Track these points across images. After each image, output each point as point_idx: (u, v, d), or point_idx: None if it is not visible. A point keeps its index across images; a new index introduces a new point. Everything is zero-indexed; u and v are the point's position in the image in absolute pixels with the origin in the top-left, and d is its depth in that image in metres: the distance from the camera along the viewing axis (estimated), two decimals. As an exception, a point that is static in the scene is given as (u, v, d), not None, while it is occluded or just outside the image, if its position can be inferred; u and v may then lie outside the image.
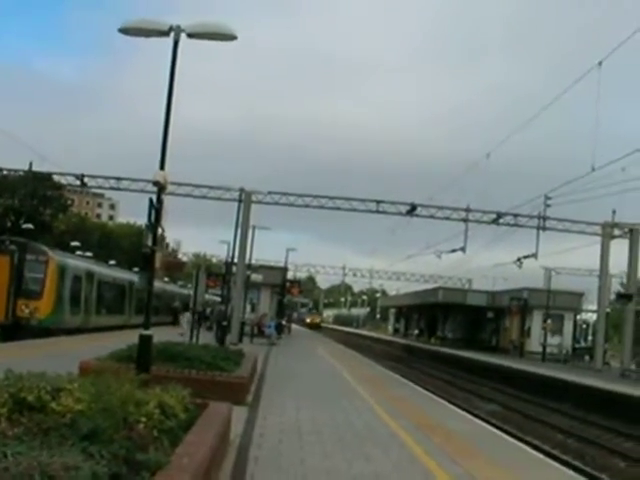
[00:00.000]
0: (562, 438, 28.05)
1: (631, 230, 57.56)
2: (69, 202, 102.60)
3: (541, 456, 17.39)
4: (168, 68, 17.76)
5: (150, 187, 47.95)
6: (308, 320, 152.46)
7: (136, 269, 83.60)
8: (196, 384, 14.38)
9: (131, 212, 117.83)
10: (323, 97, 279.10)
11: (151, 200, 17.75)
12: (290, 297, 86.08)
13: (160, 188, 17.93)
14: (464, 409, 27.41)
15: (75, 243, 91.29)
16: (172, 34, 17.74)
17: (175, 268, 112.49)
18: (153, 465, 7.43)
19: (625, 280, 63.57)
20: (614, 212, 56.95)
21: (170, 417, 9.89)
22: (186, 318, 52.66)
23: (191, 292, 69.27)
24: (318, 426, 17.18)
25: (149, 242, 17.77)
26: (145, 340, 17.54)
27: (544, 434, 28.44)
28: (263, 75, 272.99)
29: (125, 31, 18.16)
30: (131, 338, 20.15)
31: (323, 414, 19.29)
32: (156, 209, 17.57)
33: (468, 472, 13.07)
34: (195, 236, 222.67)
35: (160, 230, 17.71)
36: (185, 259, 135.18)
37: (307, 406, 20.76)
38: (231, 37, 18.27)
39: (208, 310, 71.92)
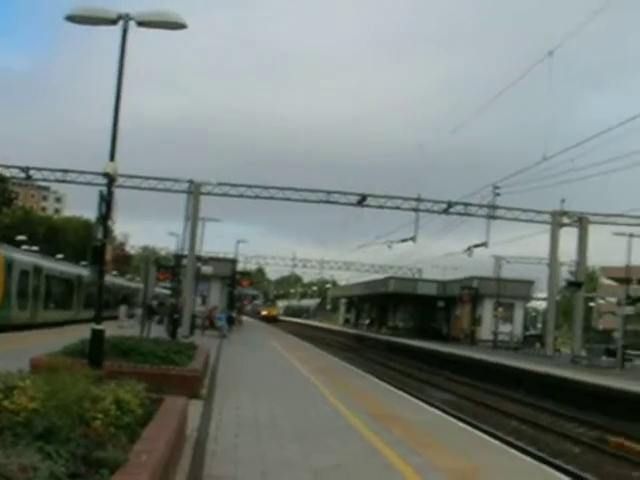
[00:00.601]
0: (516, 425, 28.11)
1: (580, 218, 57.97)
2: (13, 195, 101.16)
3: (498, 443, 17.35)
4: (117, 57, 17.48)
5: (98, 179, 47.88)
6: (264, 312, 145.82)
7: (84, 263, 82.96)
8: (150, 378, 14.12)
9: (78, 205, 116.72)
10: (275, 89, 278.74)
11: (101, 192, 17.46)
12: (240, 289, 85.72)
13: (110, 180, 17.63)
14: (419, 399, 27.33)
15: (21, 237, 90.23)
16: (121, 22, 17.43)
17: (122, 261, 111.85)
18: (112, 463, 7.20)
19: (574, 268, 64.11)
20: (563, 201, 57.33)
21: (126, 413, 9.64)
22: (122, 311, 52.54)
23: (139, 286, 68.72)
24: (275, 419, 17.00)
25: (100, 235, 17.47)
26: (97, 335, 17.27)
27: (498, 421, 28.49)
28: (214, 67, 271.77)
29: (72, 19, 17.81)
30: (81, 333, 19.85)
31: (279, 406, 19.12)
32: (106, 202, 17.27)
33: (429, 462, 12.96)
34: (143, 229, 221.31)
35: (111, 223, 17.43)
36: (133, 252, 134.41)
37: (262, 399, 20.58)
38: (181, 26, 18.02)
39: (155, 303, 71.39)
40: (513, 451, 16.64)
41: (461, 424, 20.15)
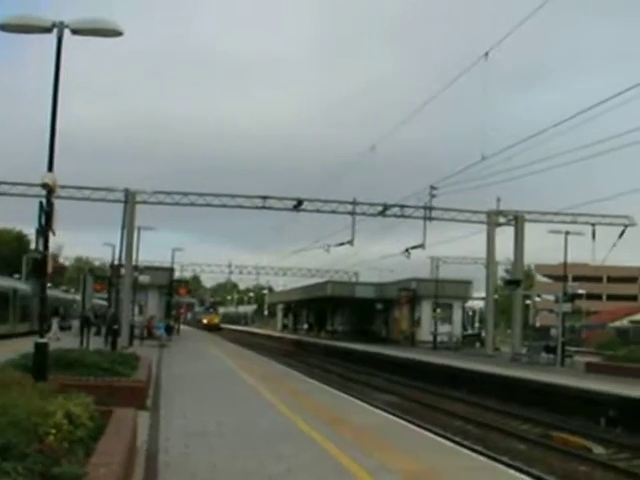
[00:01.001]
0: (462, 424, 28.29)
1: (516, 217, 58.48)
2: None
3: (448, 443, 17.41)
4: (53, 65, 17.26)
5: (32, 191, 47.33)
6: (205, 321, 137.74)
7: (17, 276, 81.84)
8: (96, 391, 13.97)
9: (10, 217, 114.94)
10: (209, 95, 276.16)
11: (41, 203, 17.20)
12: (178, 297, 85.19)
13: (49, 191, 17.38)
14: (364, 401, 27.34)
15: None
16: (55, 30, 17.20)
17: (56, 273, 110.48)
18: (70, 478, 7.10)
19: (510, 267, 64.69)
20: (499, 200, 57.74)
21: (78, 427, 9.52)
22: (54, 323, 52.04)
23: (76, 297, 67.92)
24: (223, 428, 16.88)
25: (40, 247, 17.22)
26: (41, 348, 17.01)
27: (444, 422, 28.63)
28: (150, 73, 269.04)
29: (5, 27, 17.51)
30: (20, 347, 19.54)
31: (226, 415, 19.00)
32: (46, 213, 17.03)
33: (382, 464, 12.96)
34: (76, 239, 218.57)
35: (51, 234, 17.18)
36: (67, 263, 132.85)
37: (209, 408, 20.45)
38: (117, 33, 17.84)
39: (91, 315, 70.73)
40: (462, 450, 16.74)
41: (409, 425, 20.20)
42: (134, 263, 57.15)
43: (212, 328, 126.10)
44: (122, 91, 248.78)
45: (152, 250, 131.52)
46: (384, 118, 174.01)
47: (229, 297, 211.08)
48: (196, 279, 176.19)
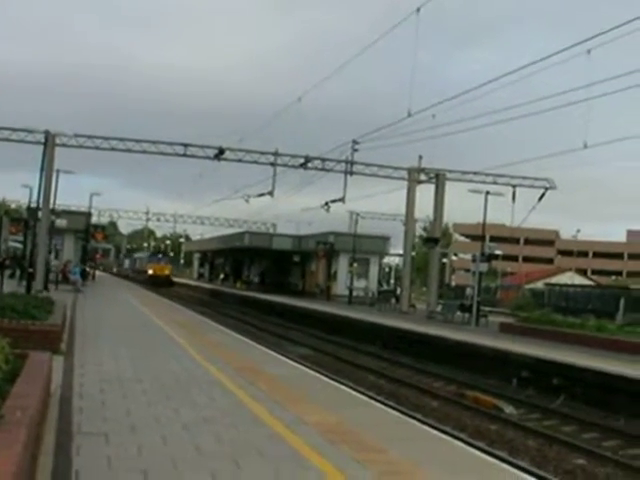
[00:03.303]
0: (375, 379, 28.60)
1: (437, 175, 58.82)
2: None
3: (362, 397, 17.55)
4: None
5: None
6: (150, 271, 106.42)
7: None
8: (10, 333, 13.74)
9: None
10: (135, 37, 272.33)
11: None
12: (94, 243, 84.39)
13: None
14: (279, 353, 27.44)
15: None
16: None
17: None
18: (-16, 420, 6.98)
19: (428, 225, 65.18)
20: (420, 157, 58.02)
21: (-6, 369, 9.37)
22: None
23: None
24: (138, 374, 16.80)
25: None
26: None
27: (358, 376, 28.94)
28: (72, 13, 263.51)
29: None
30: None
31: (141, 362, 18.92)
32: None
33: (297, 416, 13.00)
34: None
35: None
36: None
37: (123, 354, 20.32)
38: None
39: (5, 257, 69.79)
40: (376, 404, 16.88)
41: (323, 378, 20.31)
42: (51, 207, 56.39)
43: (161, 282, 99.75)
44: (44, 33, 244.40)
45: (71, 194, 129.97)
46: (316, 70, 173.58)
47: (145, 244, 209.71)
48: (113, 225, 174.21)
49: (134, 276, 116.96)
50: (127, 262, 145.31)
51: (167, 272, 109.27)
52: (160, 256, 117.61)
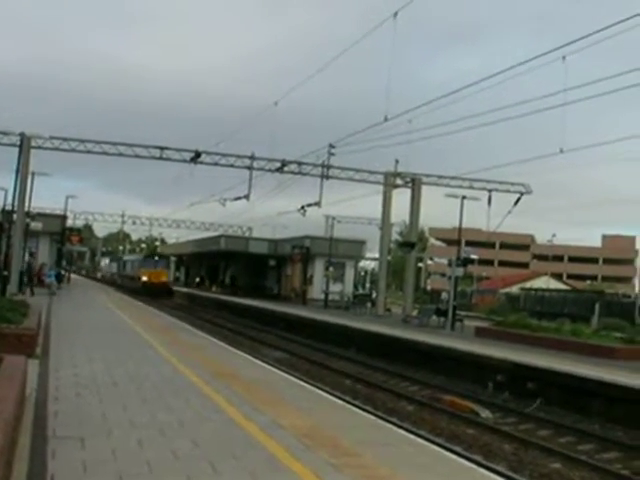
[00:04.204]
0: (351, 383, 28.60)
1: (413, 180, 58.94)
2: None
3: (338, 401, 17.55)
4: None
5: None
6: (144, 278, 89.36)
7: None
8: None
9: None
10: (116, 37, 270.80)
11: None
12: (70, 246, 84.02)
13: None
14: (254, 357, 27.42)
15: None
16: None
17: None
18: (-41, 425, 6.95)
19: (403, 229, 65.30)
20: (397, 162, 58.14)
21: (-32, 373, 9.35)
22: None
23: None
24: (114, 378, 16.75)
25: None
26: None
27: (334, 380, 28.94)
28: (52, 14, 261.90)
29: None
30: None
31: (117, 366, 18.84)
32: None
33: (272, 420, 13.00)
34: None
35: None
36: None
37: (99, 358, 20.24)
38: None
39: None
40: (353, 408, 16.90)
41: (299, 382, 20.31)
42: (27, 209, 56.16)
43: (158, 291, 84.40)
44: (23, 32, 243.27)
45: (46, 196, 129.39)
46: (298, 73, 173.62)
47: (121, 247, 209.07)
48: (88, 228, 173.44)
49: (122, 283, 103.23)
50: (113, 265, 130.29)
51: (164, 279, 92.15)
52: (157, 259, 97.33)
